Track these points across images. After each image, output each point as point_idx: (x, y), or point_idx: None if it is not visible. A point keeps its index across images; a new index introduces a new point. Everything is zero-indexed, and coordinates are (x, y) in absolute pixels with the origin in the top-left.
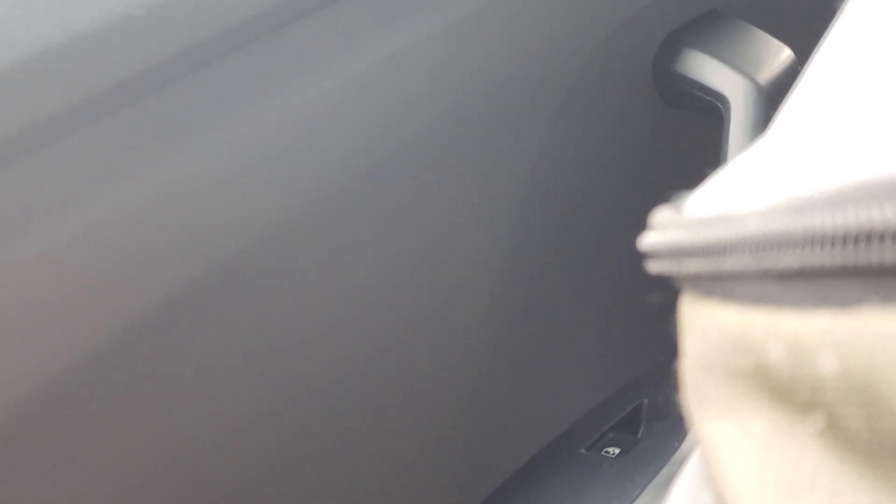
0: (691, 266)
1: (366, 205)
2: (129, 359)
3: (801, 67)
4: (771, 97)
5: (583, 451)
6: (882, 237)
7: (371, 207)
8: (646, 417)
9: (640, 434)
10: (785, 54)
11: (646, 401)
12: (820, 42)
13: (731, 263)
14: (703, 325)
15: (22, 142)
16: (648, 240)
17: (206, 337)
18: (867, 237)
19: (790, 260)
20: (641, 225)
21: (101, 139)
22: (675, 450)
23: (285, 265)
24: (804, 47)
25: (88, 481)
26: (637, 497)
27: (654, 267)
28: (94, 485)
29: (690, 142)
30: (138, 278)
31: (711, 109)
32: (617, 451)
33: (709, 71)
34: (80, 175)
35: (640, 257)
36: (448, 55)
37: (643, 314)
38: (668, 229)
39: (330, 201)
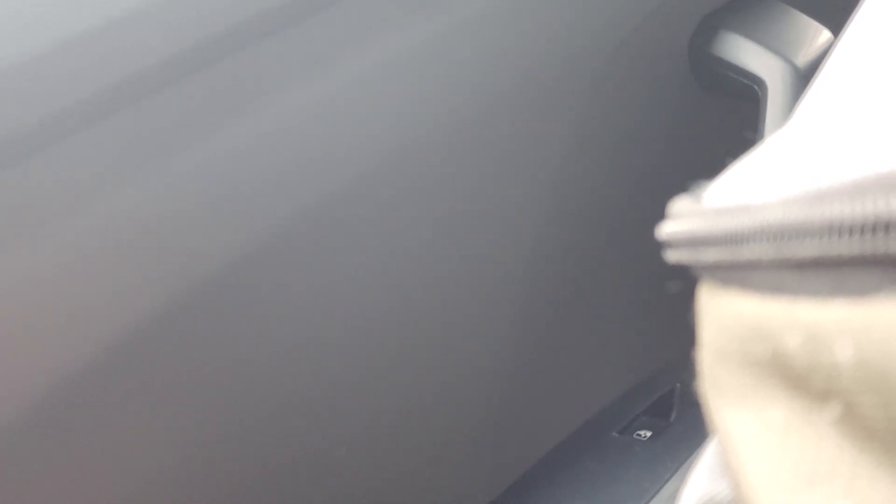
0: (709, 255)
1: (390, 199)
2: (136, 360)
3: None
4: (809, 80)
5: (615, 434)
6: None
7: (395, 200)
8: (678, 401)
9: (672, 418)
10: (824, 36)
11: (678, 385)
12: (843, 29)
13: (748, 252)
14: (720, 314)
15: (22, 144)
16: (666, 229)
17: (222, 336)
18: (885, 226)
19: (808, 249)
20: None
21: (104, 141)
22: (707, 434)
23: (304, 265)
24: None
25: (94, 483)
26: (668, 480)
27: (672, 256)
28: (99, 486)
29: (727, 126)
30: (145, 279)
31: (748, 93)
32: (649, 434)
33: (746, 53)
34: (84, 177)
35: None
36: (477, 40)
37: (678, 299)
38: (686, 218)
39: (349, 199)
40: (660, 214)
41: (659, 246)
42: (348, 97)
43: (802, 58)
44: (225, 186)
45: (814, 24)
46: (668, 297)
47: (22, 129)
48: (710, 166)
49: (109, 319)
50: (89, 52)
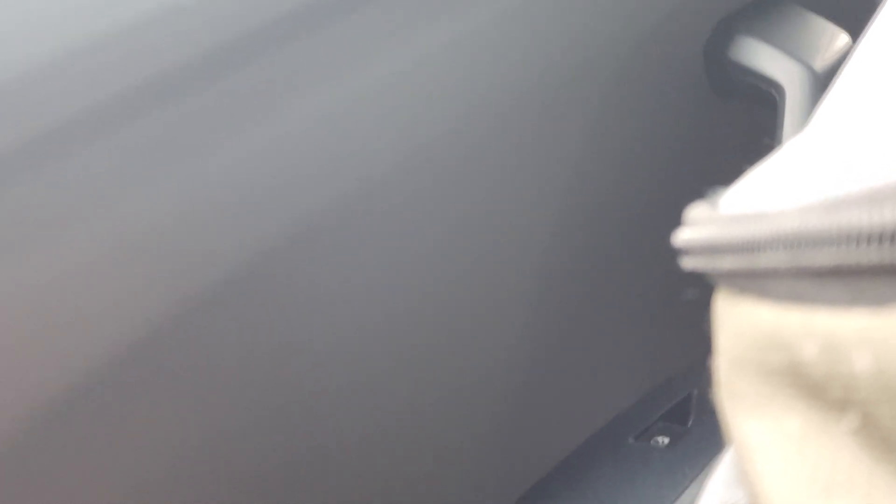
0: (726, 263)
1: (403, 201)
2: (147, 362)
3: None
4: (828, 85)
5: (632, 440)
6: None
7: (408, 203)
8: (695, 407)
9: (689, 424)
10: (842, 40)
11: (696, 391)
12: (861, 35)
13: (765, 261)
14: (737, 323)
15: (39, 148)
16: (683, 236)
17: (235, 337)
18: None
19: (825, 258)
20: None
21: (120, 145)
22: (725, 441)
23: (317, 267)
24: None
25: (103, 483)
26: (687, 488)
27: (688, 263)
28: (108, 486)
29: (742, 132)
30: (158, 281)
31: (765, 98)
32: (666, 440)
33: (763, 58)
34: (100, 181)
35: None
36: (490, 45)
37: (694, 305)
38: (702, 226)
39: (363, 201)
40: (675, 220)
41: (675, 252)
42: (363, 101)
43: (821, 62)
44: (239, 190)
45: (832, 28)
46: (684, 304)
47: (38, 133)
48: (726, 172)
49: (121, 321)
50: (106, 57)
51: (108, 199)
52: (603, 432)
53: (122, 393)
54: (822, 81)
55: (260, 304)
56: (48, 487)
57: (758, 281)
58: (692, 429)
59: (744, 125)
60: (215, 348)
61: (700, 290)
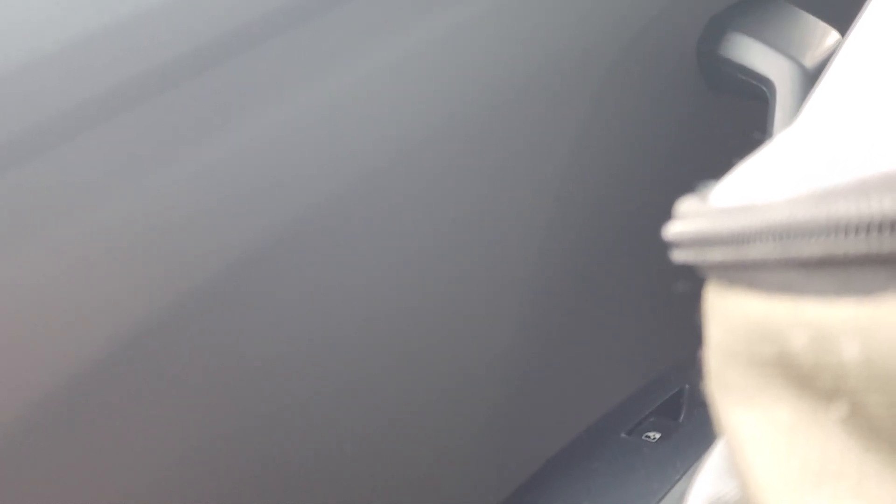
0: (715, 255)
1: (397, 198)
2: (142, 360)
3: None
4: (817, 81)
5: (623, 435)
6: None
7: (402, 200)
8: (687, 402)
9: (681, 419)
10: (832, 37)
11: (687, 386)
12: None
13: (754, 252)
14: (727, 314)
15: (28, 144)
16: (673, 229)
17: (230, 336)
18: (891, 226)
19: (814, 248)
20: None
21: (114, 140)
22: (716, 435)
23: (312, 264)
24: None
25: (99, 482)
26: (678, 482)
27: (678, 256)
28: (105, 485)
29: (735, 127)
30: (152, 278)
31: (757, 94)
32: (658, 435)
33: (754, 54)
34: (94, 176)
35: None
36: (483, 41)
37: (685, 299)
38: (692, 218)
39: (356, 198)
40: (667, 215)
41: (666, 246)
42: (355, 97)
43: (810, 59)
44: (233, 185)
45: (821, 25)
46: (675, 298)
47: (28, 128)
48: (718, 166)
49: (114, 318)
50: (96, 52)
51: (104, 192)
52: (595, 427)
53: (119, 392)
54: (811, 78)
55: (255, 301)
56: (37, 485)
57: (747, 273)
58: (683, 424)
59: (736, 119)
60: (210, 346)
61: (691, 283)
